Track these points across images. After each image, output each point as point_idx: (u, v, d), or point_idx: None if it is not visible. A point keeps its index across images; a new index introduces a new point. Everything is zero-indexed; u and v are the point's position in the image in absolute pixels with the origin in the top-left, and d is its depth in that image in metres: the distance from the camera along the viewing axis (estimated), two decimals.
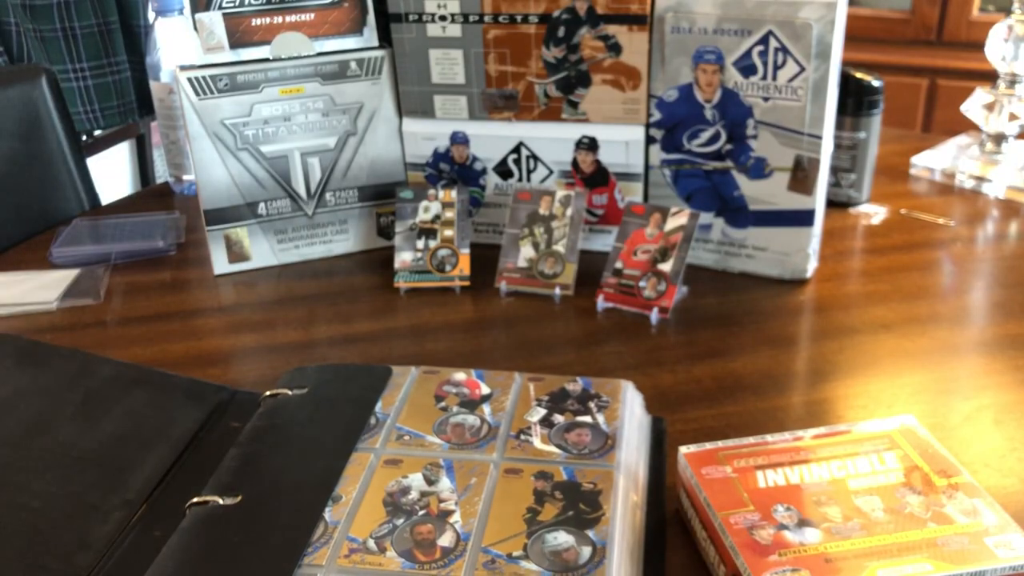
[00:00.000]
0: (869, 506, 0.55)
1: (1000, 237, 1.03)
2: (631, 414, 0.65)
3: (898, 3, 2.32)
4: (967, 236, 1.03)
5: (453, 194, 0.96)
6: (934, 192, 1.15)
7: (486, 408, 0.66)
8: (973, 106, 1.19)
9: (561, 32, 0.92)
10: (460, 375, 0.70)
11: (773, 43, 0.85)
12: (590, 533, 0.54)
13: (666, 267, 0.87)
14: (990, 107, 1.17)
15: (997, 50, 1.14)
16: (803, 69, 0.85)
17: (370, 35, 0.98)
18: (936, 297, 0.90)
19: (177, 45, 1.16)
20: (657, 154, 0.95)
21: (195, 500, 0.58)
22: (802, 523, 0.53)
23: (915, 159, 1.20)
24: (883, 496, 0.55)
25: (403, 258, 0.94)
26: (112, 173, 2.28)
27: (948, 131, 1.31)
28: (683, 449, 0.60)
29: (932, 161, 1.19)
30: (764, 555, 0.51)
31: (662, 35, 0.89)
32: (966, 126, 1.24)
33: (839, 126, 1.06)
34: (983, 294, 0.91)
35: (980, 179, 1.15)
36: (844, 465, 0.58)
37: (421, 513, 0.56)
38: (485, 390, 0.68)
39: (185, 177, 1.23)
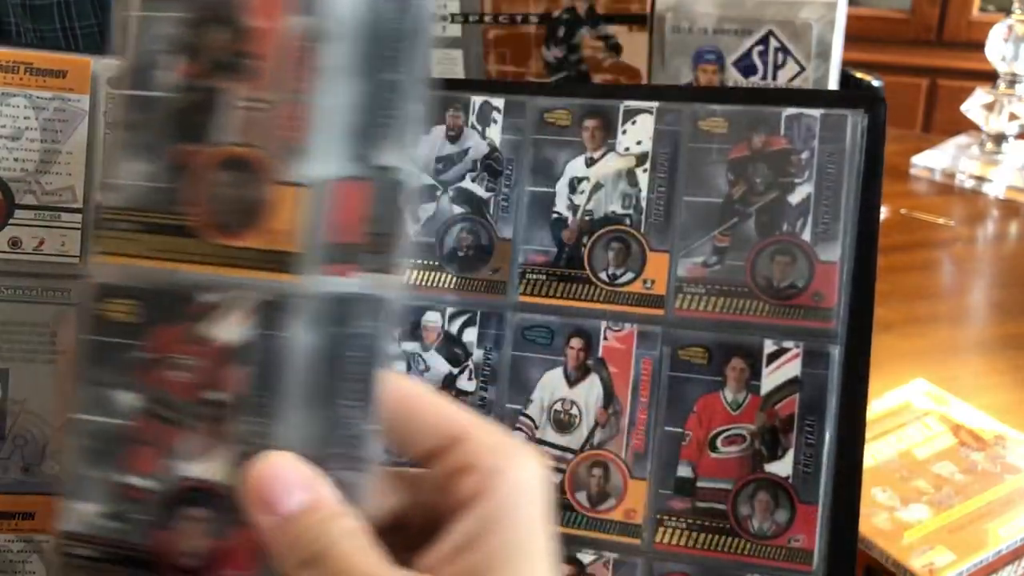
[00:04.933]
0: (947, 471, 0.57)
1: (1000, 237, 1.03)
2: None
3: (898, 3, 2.32)
4: (967, 236, 1.03)
5: None
6: (934, 192, 1.15)
7: None
8: (973, 106, 1.18)
9: (561, 32, 0.92)
10: None
11: (773, 43, 0.85)
12: None
13: None
14: (990, 107, 1.17)
15: (997, 50, 1.14)
16: (803, 69, 0.85)
17: None
18: (936, 297, 0.90)
19: None
20: None
21: None
22: (905, 501, 0.54)
23: (915, 159, 1.20)
24: (951, 459, 0.58)
25: None
26: None
27: (948, 131, 1.30)
28: None
29: (932, 161, 1.19)
30: (897, 540, 0.52)
31: (662, 35, 0.89)
32: (966, 126, 1.24)
33: None
34: (983, 294, 0.91)
35: (980, 179, 1.14)
36: (900, 437, 0.60)
37: None
38: None
39: None
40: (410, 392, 0.31)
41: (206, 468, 0.30)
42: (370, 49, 0.30)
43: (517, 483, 0.28)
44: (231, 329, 0.30)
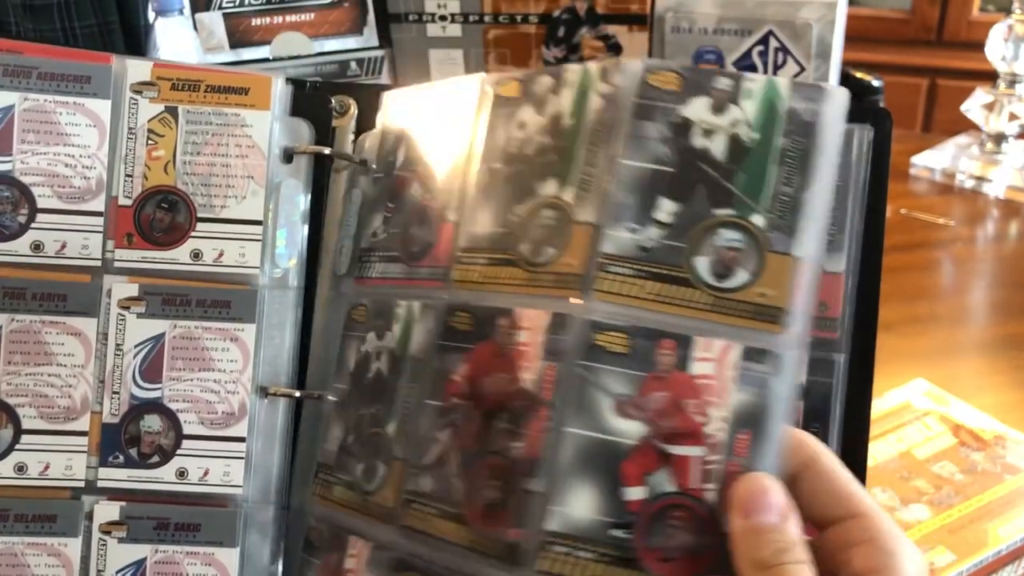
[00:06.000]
0: (947, 471, 0.57)
1: (1000, 237, 1.03)
2: None
3: (898, 3, 2.32)
4: (967, 236, 1.03)
5: None
6: (934, 192, 1.15)
7: None
8: (973, 106, 1.19)
9: (561, 32, 0.92)
10: None
11: (773, 43, 0.85)
12: None
13: None
14: (990, 107, 1.17)
15: (997, 50, 1.14)
16: (803, 69, 0.85)
17: (370, 35, 0.98)
18: (936, 297, 0.90)
19: (177, 45, 1.16)
20: None
21: None
22: (905, 501, 0.55)
23: (915, 159, 1.20)
24: (951, 459, 0.58)
25: None
26: None
27: (948, 131, 1.31)
28: None
29: (932, 161, 1.19)
30: None
31: (662, 35, 0.89)
32: (966, 126, 1.24)
33: None
34: (983, 294, 0.91)
35: (980, 179, 1.15)
36: (901, 437, 0.60)
37: None
38: None
39: None
40: (823, 457, 0.34)
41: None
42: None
43: (912, 568, 0.32)
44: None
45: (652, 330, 0.36)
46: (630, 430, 0.35)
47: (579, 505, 0.35)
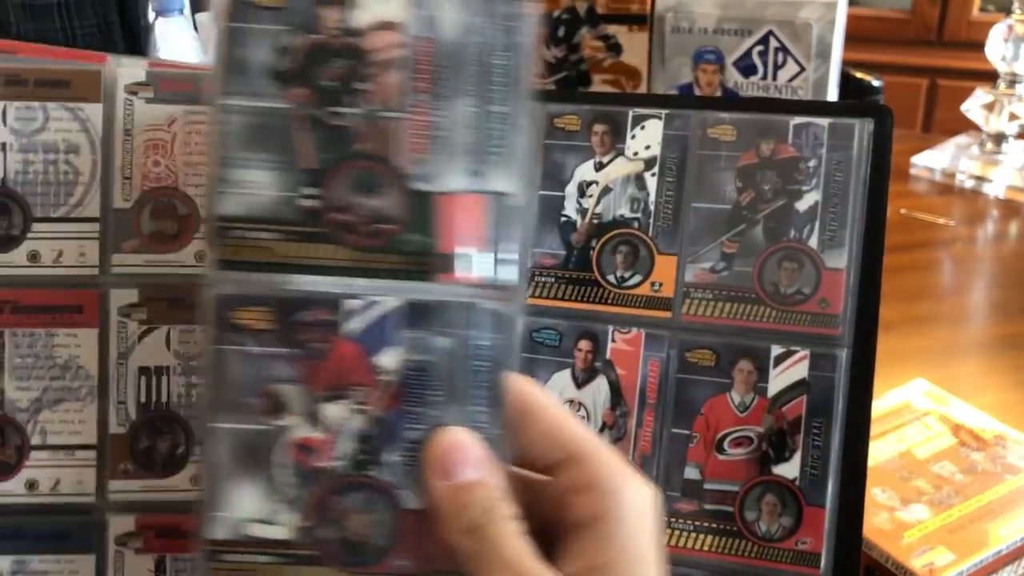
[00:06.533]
0: (947, 471, 0.57)
1: (1000, 237, 1.04)
2: None
3: (898, 3, 2.32)
4: (967, 236, 1.03)
5: None
6: (934, 192, 1.15)
7: None
8: (973, 106, 1.19)
9: (561, 32, 0.93)
10: None
11: (773, 43, 0.85)
12: None
13: None
14: (990, 107, 1.17)
15: (997, 50, 1.14)
16: (803, 69, 0.85)
17: None
18: (936, 297, 0.90)
19: (177, 45, 1.16)
20: None
21: None
22: (905, 501, 0.55)
23: (915, 159, 1.20)
24: (951, 459, 0.58)
25: None
26: None
27: (948, 131, 1.31)
28: None
29: (932, 161, 1.19)
30: (897, 540, 0.52)
31: (662, 35, 0.90)
32: (966, 126, 1.24)
33: None
34: (983, 294, 0.91)
35: (980, 179, 1.15)
36: (900, 437, 0.60)
37: None
38: None
39: None
40: (537, 401, 0.32)
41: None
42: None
43: (635, 507, 0.30)
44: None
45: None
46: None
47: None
